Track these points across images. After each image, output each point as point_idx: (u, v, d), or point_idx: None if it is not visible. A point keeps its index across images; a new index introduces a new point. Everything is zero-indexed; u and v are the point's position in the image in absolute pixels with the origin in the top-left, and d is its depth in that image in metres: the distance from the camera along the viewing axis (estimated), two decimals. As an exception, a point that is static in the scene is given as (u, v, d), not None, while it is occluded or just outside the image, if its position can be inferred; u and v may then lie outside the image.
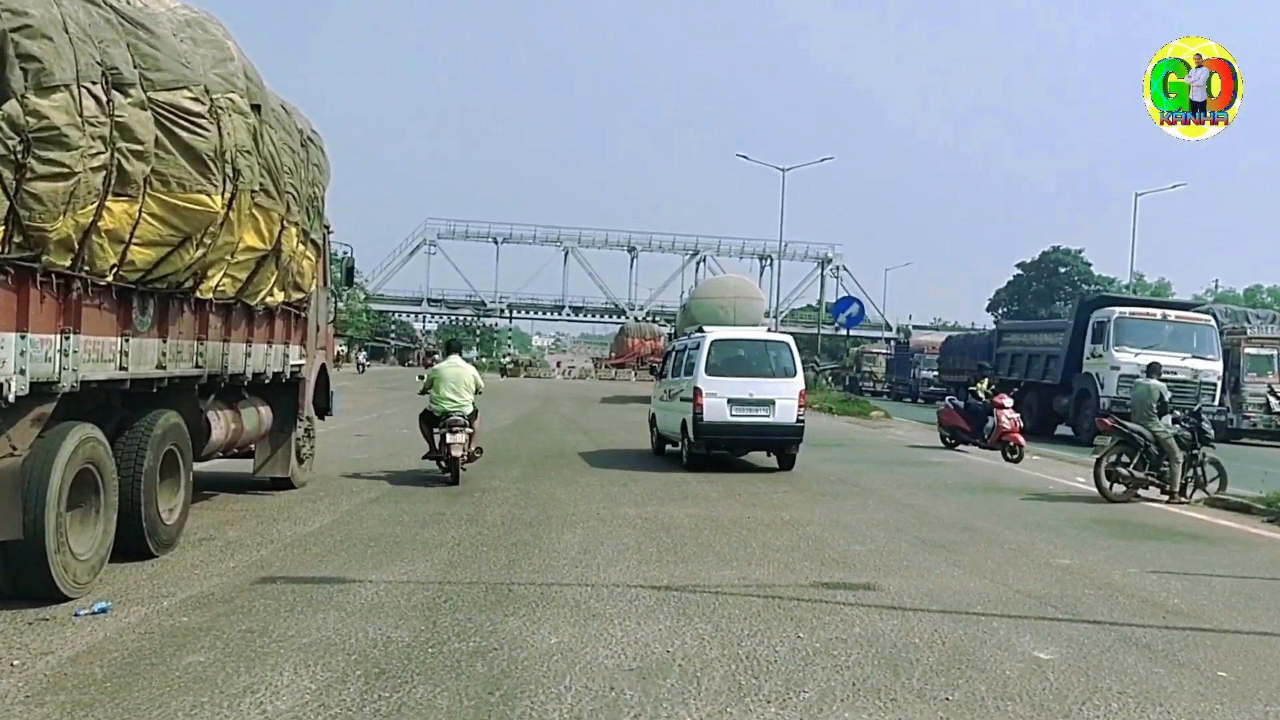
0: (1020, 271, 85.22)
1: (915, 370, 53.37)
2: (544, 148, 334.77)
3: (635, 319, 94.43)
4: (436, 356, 17.18)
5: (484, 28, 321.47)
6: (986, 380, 17.93)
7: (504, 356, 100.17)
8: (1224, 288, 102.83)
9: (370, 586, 6.02)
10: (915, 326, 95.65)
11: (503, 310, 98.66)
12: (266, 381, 8.81)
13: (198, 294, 6.86)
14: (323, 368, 10.80)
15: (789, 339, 14.72)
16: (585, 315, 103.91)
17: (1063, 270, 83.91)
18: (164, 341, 6.54)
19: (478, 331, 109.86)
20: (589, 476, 11.95)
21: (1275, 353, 26.20)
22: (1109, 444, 10.75)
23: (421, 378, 12.10)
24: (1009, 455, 15.68)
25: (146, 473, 6.32)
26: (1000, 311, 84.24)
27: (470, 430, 10.95)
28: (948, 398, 20.11)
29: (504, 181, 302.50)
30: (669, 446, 14.60)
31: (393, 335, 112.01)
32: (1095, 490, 11.24)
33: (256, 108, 6.94)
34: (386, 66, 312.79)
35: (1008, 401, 16.50)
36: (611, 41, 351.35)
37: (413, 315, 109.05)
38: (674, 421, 14.13)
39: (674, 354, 16.13)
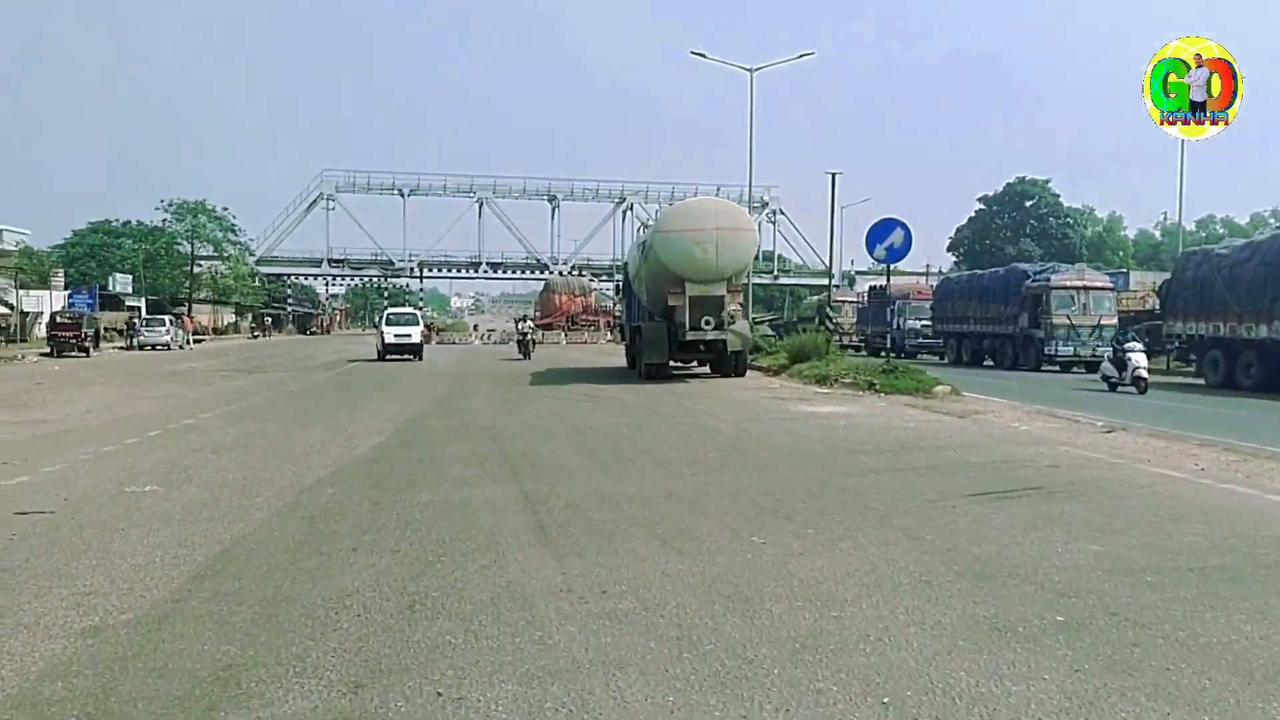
0: (983, 206, 77.91)
1: (899, 320, 45.39)
2: (450, 88, 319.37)
3: (560, 274, 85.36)
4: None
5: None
6: None
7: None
8: (1172, 219, 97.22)
9: None
10: (859, 273, 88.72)
11: (412, 269, 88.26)
12: None
13: None
14: None
15: (417, 313, 42.21)
16: (504, 272, 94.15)
17: (1029, 203, 76.79)
18: None
19: (386, 294, 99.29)
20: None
21: None
22: None
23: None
24: None
25: None
26: (962, 251, 77.10)
27: None
28: None
29: (408, 128, 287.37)
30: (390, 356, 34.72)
31: (290, 300, 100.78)
32: None
33: None
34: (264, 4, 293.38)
35: None
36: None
37: (313, 278, 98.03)
38: (378, 344, 35.82)
39: (380, 316, 43.38)
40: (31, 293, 54.35)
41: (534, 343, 37.15)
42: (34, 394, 19.94)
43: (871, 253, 19.70)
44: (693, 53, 33.65)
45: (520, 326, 38.31)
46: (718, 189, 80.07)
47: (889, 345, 45.39)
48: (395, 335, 35.17)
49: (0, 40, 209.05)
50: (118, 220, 79.68)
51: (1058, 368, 32.73)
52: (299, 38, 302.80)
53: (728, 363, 23.02)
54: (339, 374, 27.26)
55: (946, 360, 39.51)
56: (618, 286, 33.78)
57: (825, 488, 8.61)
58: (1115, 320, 32.92)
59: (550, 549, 6.47)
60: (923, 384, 18.31)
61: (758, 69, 34.04)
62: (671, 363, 23.65)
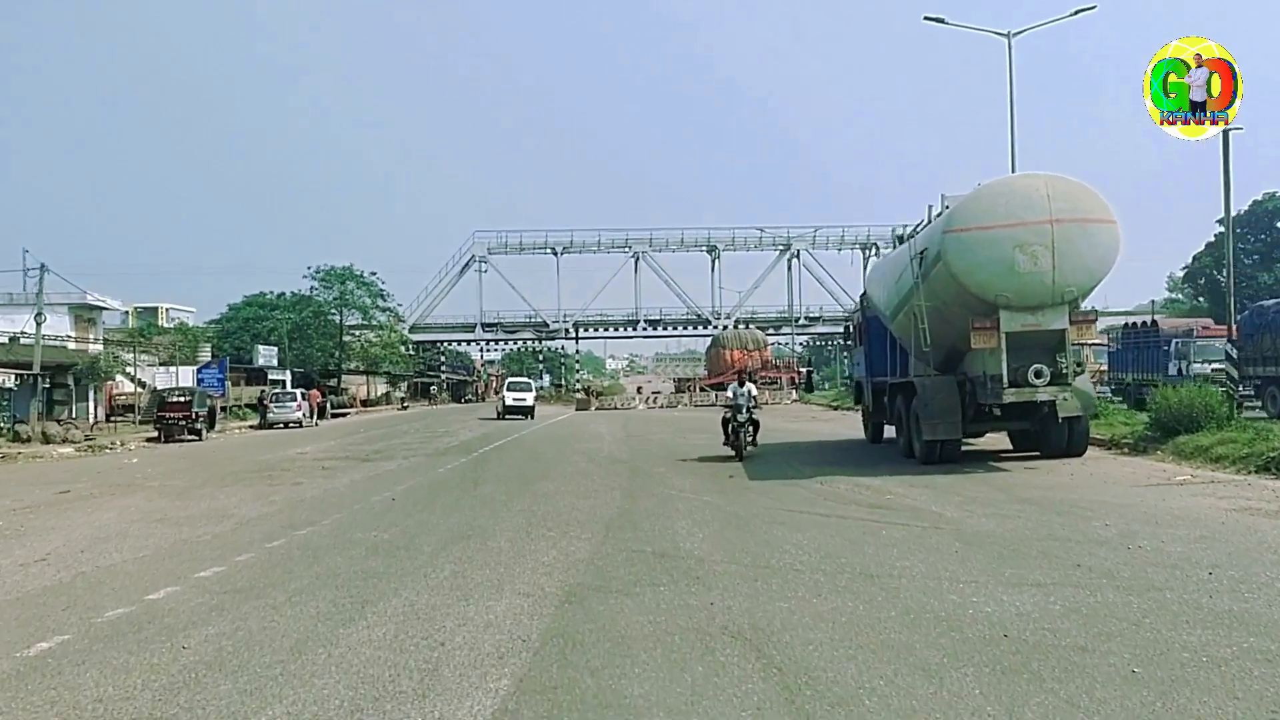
0: (1223, 229, 66.30)
1: (1180, 363, 35.78)
2: (600, 141, 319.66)
3: (723, 328, 78.02)
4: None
5: (519, 13, 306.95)
6: None
7: (575, 385, 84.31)
8: None
9: None
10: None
11: (567, 330, 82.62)
12: None
13: None
14: None
15: (530, 381, 55.30)
16: (664, 328, 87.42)
17: None
18: None
19: (542, 358, 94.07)
20: None
21: None
22: None
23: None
24: None
25: None
26: (1202, 282, 65.60)
27: None
28: None
29: (558, 184, 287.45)
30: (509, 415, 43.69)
31: (444, 368, 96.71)
32: None
33: None
34: (413, 66, 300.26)
35: None
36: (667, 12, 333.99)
37: (466, 343, 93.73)
38: (499, 406, 46.86)
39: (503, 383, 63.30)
40: (171, 368, 50.64)
41: (756, 424, 18.24)
42: (30, 514, 13.60)
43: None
44: (927, 18, 25.94)
45: (733, 395, 18.28)
46: (905, 228, 70.34)
47: (1165, 396, 36.15)
48: (513, 399, 45.64)
49: (182, 134, 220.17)
50: (271, 292, 77.17)
51: None
52: (450, 105, 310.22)
53: (1057, 435, 14.78)
54: (473, 462, 20.17)
55: (1267, 414, 29.79)
56: (853, 324, 25.67)
57: None
58: None
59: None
60: None
61: (1018, 33, 26.00)
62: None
